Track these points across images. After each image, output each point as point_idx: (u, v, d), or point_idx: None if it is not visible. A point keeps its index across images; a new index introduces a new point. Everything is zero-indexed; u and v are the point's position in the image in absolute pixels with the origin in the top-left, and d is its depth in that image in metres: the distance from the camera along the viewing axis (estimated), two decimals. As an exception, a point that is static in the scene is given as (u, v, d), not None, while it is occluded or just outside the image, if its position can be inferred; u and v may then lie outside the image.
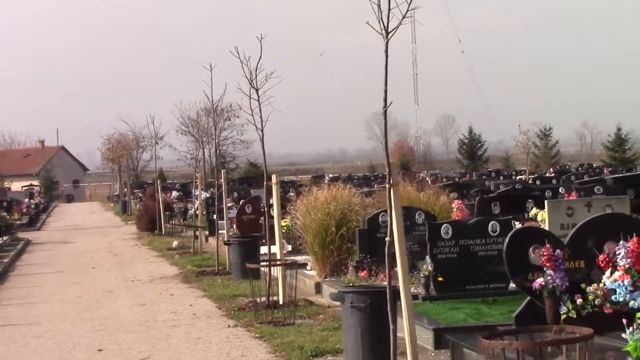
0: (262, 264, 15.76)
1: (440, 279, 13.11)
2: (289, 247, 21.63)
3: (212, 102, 20.32)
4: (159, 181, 36.40)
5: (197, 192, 41.63)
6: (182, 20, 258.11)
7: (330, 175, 73.64)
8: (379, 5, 8.68)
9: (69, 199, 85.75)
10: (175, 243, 27.65)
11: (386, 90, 8.85)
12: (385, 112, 8.86)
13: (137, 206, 54.13)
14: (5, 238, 30.94)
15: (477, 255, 13.15)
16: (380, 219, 15.92)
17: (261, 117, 14.98)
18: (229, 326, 13.66)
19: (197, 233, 28.13)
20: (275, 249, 21.39)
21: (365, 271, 15.49)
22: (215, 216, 31.43)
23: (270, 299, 14.74)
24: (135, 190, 61.36)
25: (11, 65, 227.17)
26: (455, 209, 18.29)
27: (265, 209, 15.97)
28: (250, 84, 14.96)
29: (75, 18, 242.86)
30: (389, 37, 8.76)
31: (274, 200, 15.21)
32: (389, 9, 8.67)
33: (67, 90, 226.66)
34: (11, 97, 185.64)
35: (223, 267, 20.46)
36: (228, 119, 68.71)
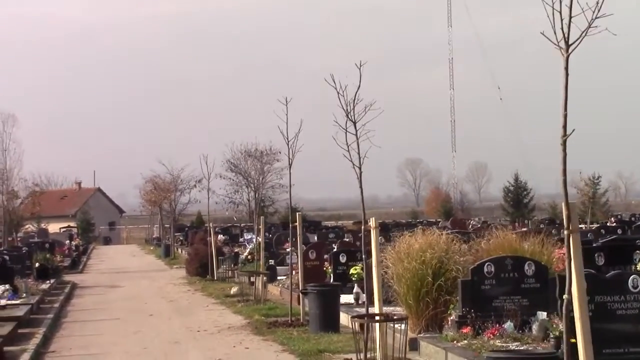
0: (365, 318, 13.92)
1: (573, 340, 11.44)
2: (365, 297, 20.07)
3: (287, 138, 18.78)
4: (211, 224, 34.87)
5: (251, 236, 40.34)
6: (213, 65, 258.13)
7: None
8: (559, 12, 7.22)
9: (107, 241, 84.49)
10: (234, 289, 26.12)
11: (566, 115, 7.37)
12: (564, 142, 7.35)
13: (180, 250, 52.83)
14: (52, 281, 29.54)
15: (616, 314, 11.51)
16: (485, 269, 14.35)
17: (359, 152, 13.47)
18: (328, 388, 12.09)
19: (253, 279, 26.66)
20: (349, 298, 19.97)
21: (469, 327, 13.92)
22: (272, 261, 30.07)
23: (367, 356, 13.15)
24: (175, 234, 59.96)
25: (50, 109, 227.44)
26: (555, 259, 16.70)
27: (364, 256, 14.28)
28: (347, 116, 13.49)
29: (114, 68, 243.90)
30: (569, 50, 7.28)
31: (373, 245, 13.61)
32: (570, 17, 7.21)
33: (104, 132, 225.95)
34: (47, 138, 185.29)
35: (296, 317, 18.88)
36: (268, 162, 67.51)
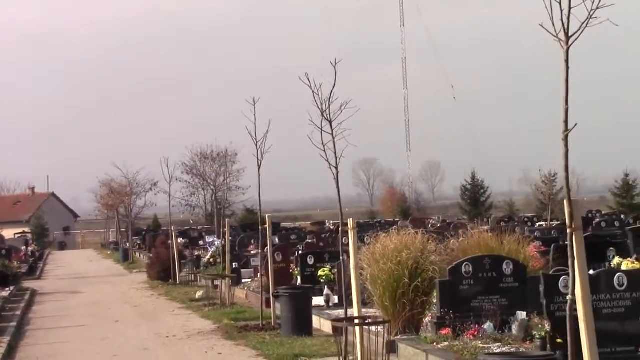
0: (345, 323, 13.47)
1: (559, 340, 11.27)
2: (335, 299, 19.82)
3: (256, 139, 18.45)
4: (172, 227, 34.37)
5: (212, 239, 39.90)
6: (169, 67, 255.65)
7: (332, 222, 71.80)
8: (559, 2, 6.99)
9: (62, 246, 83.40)
10: (199, 293, 25.74)
11: (567, 109, 7.14)
12: (566, 137, 7.14)
13: (139, 254, 52.26)
14: (12, 288, 28.95)
15: (602, 314, 11.29)
16: (463, 269, 14.14)
17: (335, 152, 13.20)
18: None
19: (217, 283, 26.34)
20: (319, 300, 19.68)
21: (448, 328, 13.70)
22: (235, 264, 29.66)
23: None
24: (133, 238, 59.28)
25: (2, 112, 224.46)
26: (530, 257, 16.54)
27: (342, 257, 13.94)
28: (323, 115, 13.22)
29: (66, 66, 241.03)
30: (569, 42, 7.05)
31: (351, 247, 13.30)
32: (570, 8, 6.99)
33: (57, 137, 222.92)
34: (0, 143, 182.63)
35: (267, 321, 18.57)
36: (224, 164, 67.00)
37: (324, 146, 13.28)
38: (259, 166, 18.85)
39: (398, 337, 14.67)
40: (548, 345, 11.37)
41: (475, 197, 78.40)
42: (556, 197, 71.16)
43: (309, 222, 75.63)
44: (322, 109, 13.22)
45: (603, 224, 37.25)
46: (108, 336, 18.88)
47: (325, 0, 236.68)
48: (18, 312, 23.67)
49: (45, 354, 16.75)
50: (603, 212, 64.48)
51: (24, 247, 51.08)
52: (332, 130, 13.18)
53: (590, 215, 58.94)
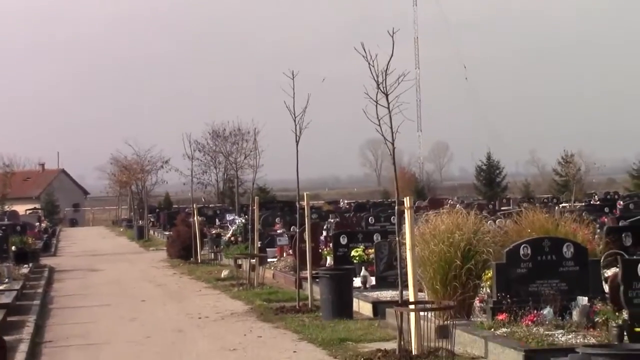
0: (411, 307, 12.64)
1: (638, 329, 10.55)
2: (372, 280, 19.10)
3: (295, 114, 17.71)
4: (194, 205, 33.67)
5: (233, 217, 39.17)
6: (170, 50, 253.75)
7: (346, 201, 71.10)
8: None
9: (73, 223, 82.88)
10: (224, 273, 25.06)
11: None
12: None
13: (153, 232, 51.64)
14: (30, 265, 28.31)
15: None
16: (521, 252, 13.40)
17: (391, 127, 12.47)
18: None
19: (240, 262, 25.66)
20: (356, 282, 18.94)
21: (505, 314, 12.98)
22: (259, 243, 28.89)
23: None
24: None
25: (12, 89, 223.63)
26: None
27: (398, 238, 13.17)
28: (378, 88, 12.48)
29: (78, 44, 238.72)
30: None
31: (407, 227, 12.58)
32: None
33: (68, 113, 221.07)
34: (10, 120, 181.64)
35: (303, 302, 17.85)
36: (236, 142, 66.22)
37: (378, 120, 12.56)
38: (297, 142, 18.11)
39: (448, 321, 13.95)
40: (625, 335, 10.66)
41: (490, 178, 77.52)
42: (573, 178, 70.56)
43: (321, 202, 74.70)
44: (377, 81, 12.49)
45: (631, 206, 36.35)
46: (137, 317, 18.20)
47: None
48: (40, 290, 23.02)
49: (74, 335, 16.05)
50: (621, 194, 63.74)
51: (38, 223, 50.52)
52: (389, 103, 12.46)
53: (608, 197, 58.25)
